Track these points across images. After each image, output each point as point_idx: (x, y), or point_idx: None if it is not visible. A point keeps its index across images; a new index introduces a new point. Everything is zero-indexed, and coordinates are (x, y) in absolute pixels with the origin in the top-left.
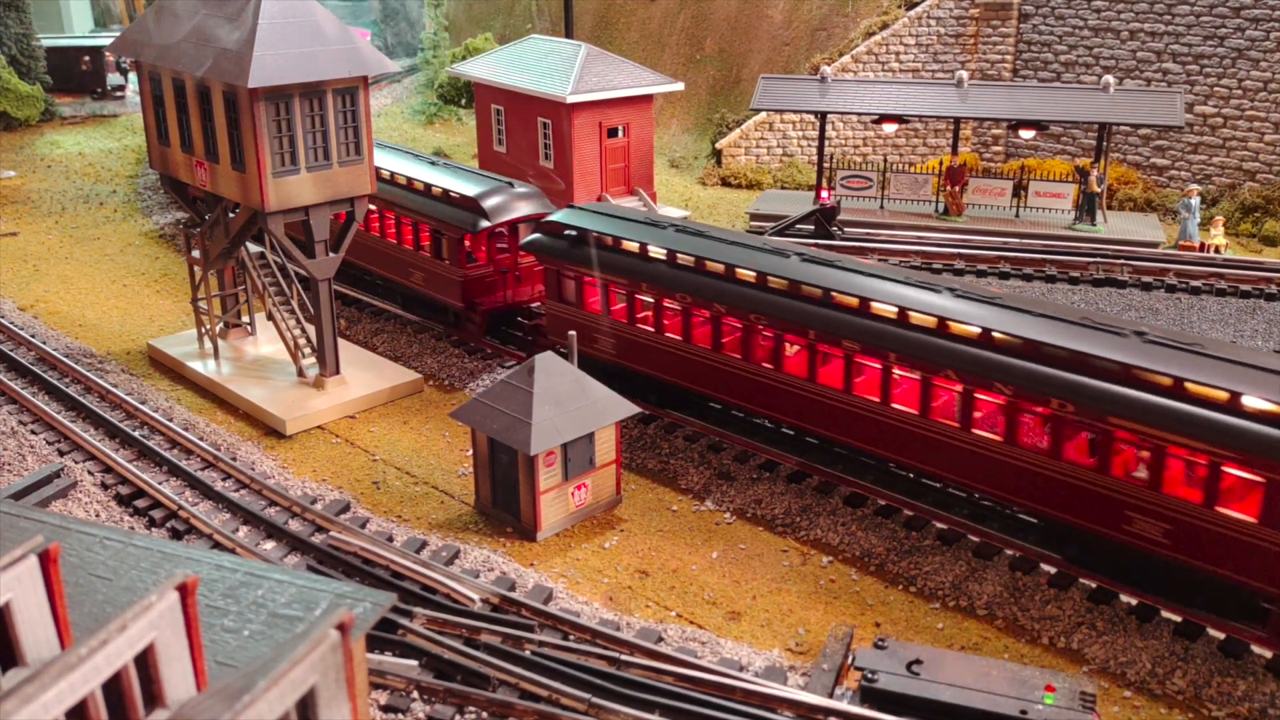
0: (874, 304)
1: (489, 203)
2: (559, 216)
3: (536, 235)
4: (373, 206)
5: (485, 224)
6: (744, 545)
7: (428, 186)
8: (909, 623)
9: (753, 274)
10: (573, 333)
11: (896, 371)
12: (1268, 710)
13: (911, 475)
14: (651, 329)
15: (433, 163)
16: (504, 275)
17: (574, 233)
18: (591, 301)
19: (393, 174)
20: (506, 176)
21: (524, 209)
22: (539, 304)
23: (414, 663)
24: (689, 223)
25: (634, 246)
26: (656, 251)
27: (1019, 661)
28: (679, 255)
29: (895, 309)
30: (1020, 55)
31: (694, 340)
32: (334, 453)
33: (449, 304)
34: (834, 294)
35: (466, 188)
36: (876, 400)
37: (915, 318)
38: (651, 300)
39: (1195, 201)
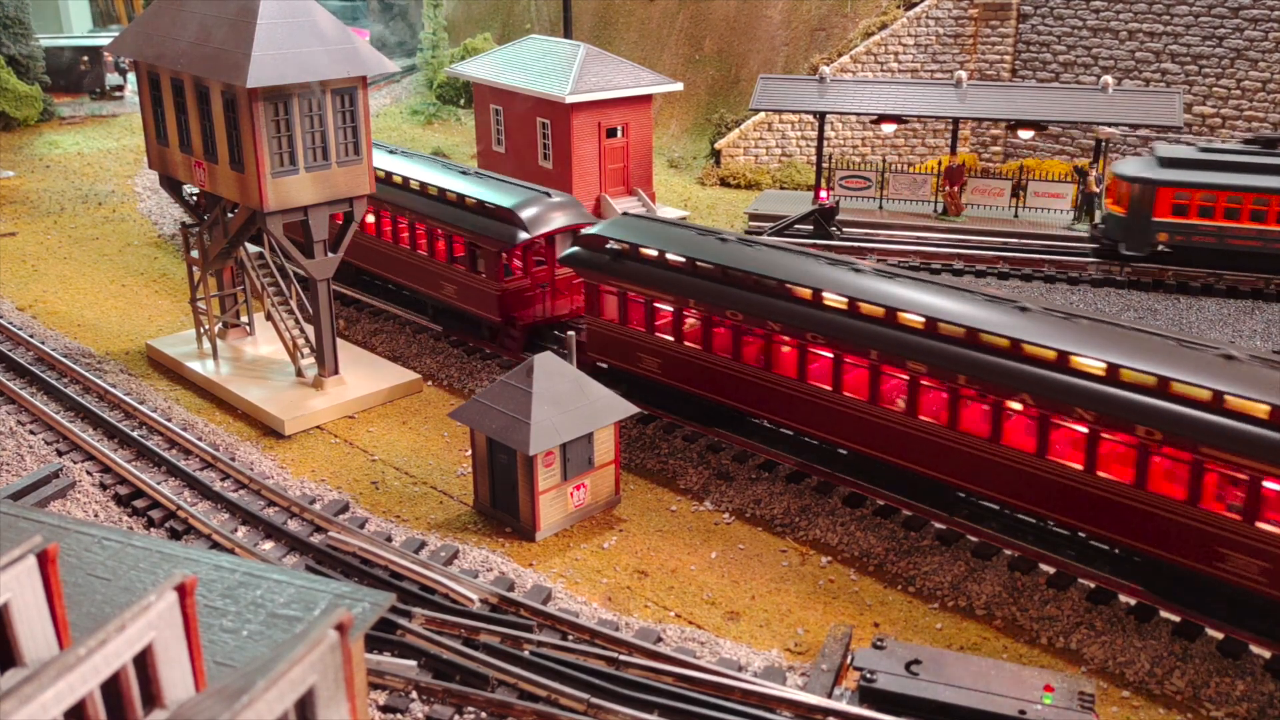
0: None
1: None
2: None
3: None
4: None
5: None
6: (743, 545)
7: None
8: (908, 623)
9: None
10: (571, 333)
11: None
12: (1266, 710)
13: None
14: None
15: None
16: None
17: None
18: None
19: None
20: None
21: None
22: None
23: (413, 663)
24: None
25: None
26: None
27: (1018, 661)
28: None
29: None
30: (1019, 55)
31: None
32: (333, 453)
33: None
34: None
35: None
36: None
37: None
38: None
39: None
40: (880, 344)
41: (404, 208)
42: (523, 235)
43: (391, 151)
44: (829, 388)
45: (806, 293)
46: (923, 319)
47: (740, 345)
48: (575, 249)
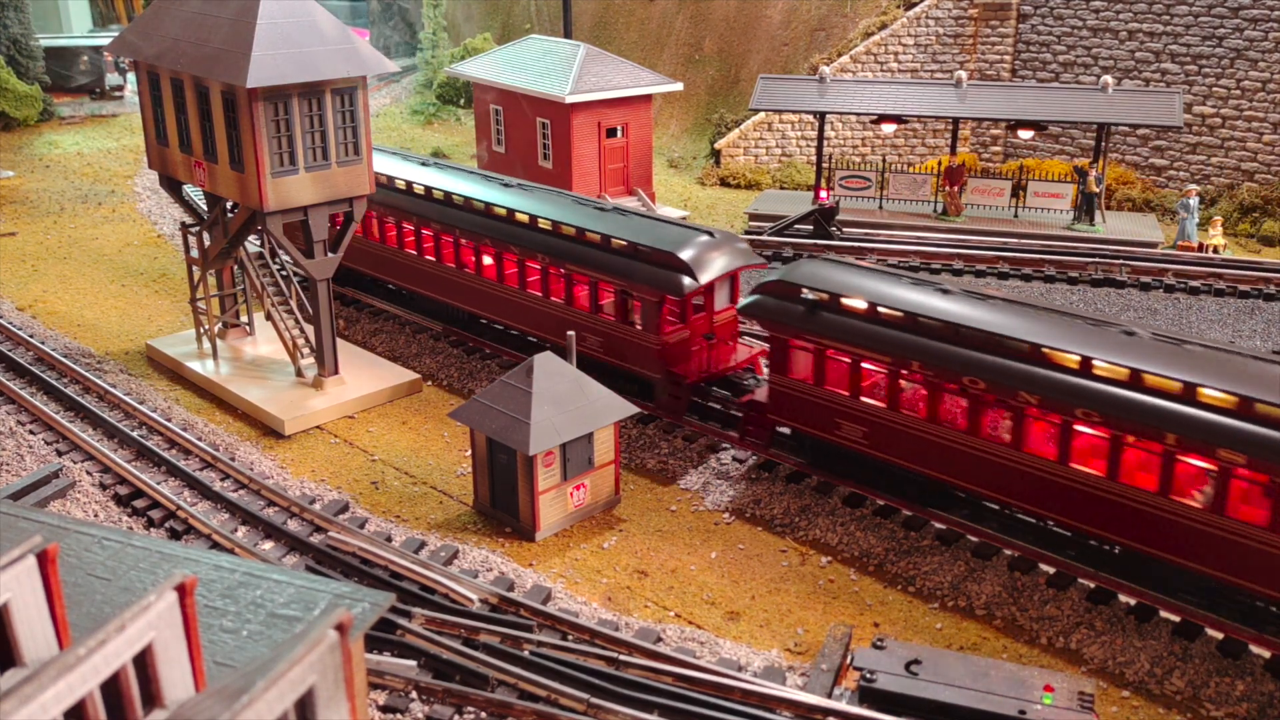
0: None
1: None
2: None
3: None
4: None
5: None
6: (743, 545)
7: None
8: (907, 623)
9: None
10: (571, 333)
11: None
12: (1266, 710)
13: None
14: None
15: None
16: None
17: None
18: None
19: None
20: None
21: None
22: None
23: (413, 663)
24: None
25: None
26: None
27: (1018, 661)
28: None
29: None
30: (1019, 55)
31: None
32: (333, 453)
33: None
34: None
35: None
36: None
37: None
38: None
39: (1194, 202)
40: (1181, 427)
41: (533, 250)
42: (689, 282)
43: (507, 185)
44: (1103, 475)
45: (1072, 360)
46: (1236, 398)
47: (979, 418)
48: (759, 297)
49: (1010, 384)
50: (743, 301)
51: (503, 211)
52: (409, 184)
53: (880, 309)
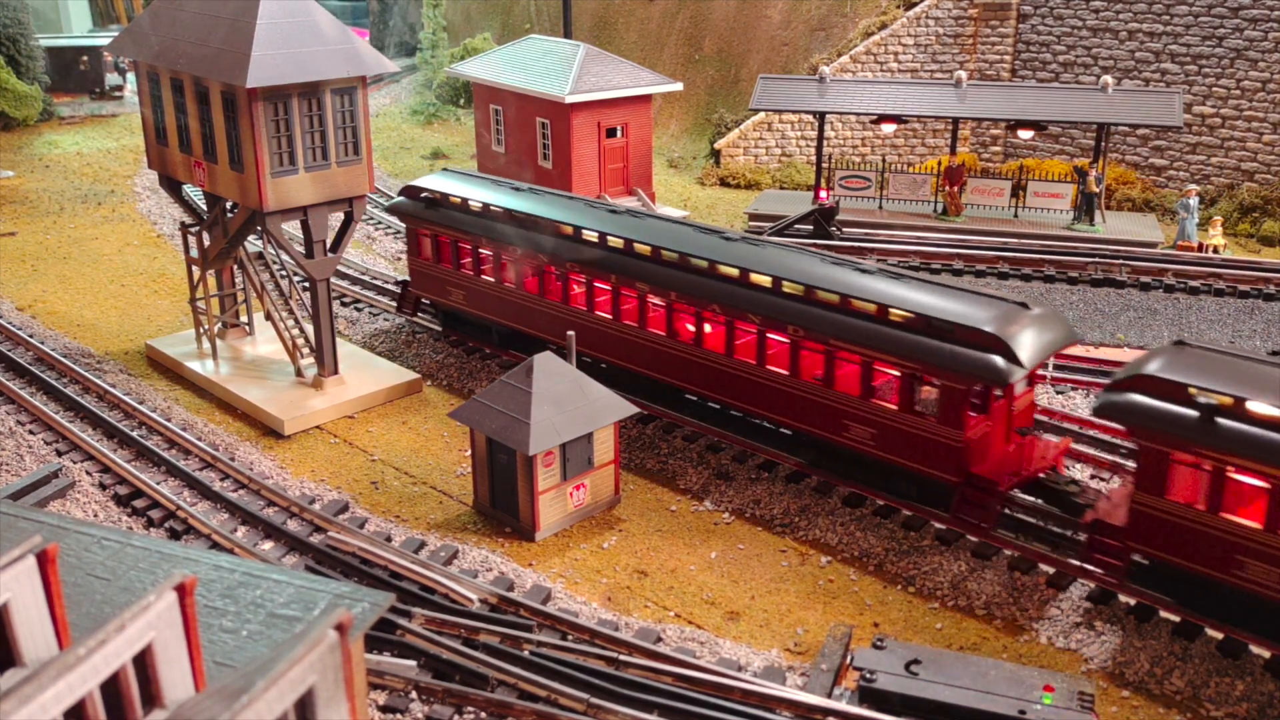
0: None
1: None
2: None
3: None
4: None
5: None
6: (743, 545)
7: None
8: (907, 623)
9: None
10: (571, 333)
11: None
12: (1266, 710)
13: None
14: None
15: None
16: None
17: None
18: None
19: None
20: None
21: None
22: None
23: (412, 663)
24: None
25: None
26: None
27: (1017, 661)
28: None
29: None
30: (1019, 55)
31: None
32: (332, 453)
33: None
34: None
35: None
36: None
37: None
38: None
39: (1194, 202)
40: None
41: (780, 320)
42: (1009, 368)
43: (729, 239)
44: None
45: None
46: None
47: None
48: (1125, 397)
49: None
50: (1098, 400)
51: (733, 273)
52: (602, 235)
53: None
